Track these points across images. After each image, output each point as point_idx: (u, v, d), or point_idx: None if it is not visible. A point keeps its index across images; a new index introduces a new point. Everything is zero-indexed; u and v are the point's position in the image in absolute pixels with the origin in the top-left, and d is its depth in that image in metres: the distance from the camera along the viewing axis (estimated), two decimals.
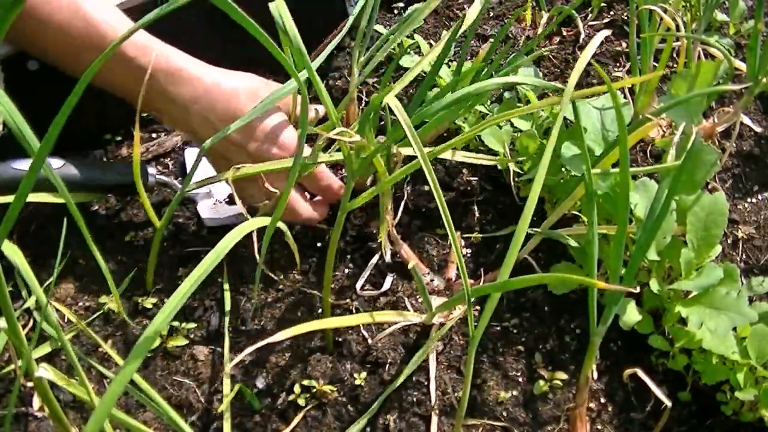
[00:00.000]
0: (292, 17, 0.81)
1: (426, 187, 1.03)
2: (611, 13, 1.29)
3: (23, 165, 0.89)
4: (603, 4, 1.29)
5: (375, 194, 0.82)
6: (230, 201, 1.02)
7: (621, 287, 0.61)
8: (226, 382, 0.84)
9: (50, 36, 0.85)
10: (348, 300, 0.93)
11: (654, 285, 0.86)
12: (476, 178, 1.04)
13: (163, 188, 1.02)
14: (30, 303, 0.90)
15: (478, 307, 0.92)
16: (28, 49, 0.92)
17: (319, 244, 0.98)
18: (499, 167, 1.02)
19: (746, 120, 1.12)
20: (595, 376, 0.86)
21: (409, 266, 0.87)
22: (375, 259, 0.96)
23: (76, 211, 0.61)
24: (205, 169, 1.05)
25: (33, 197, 0.85)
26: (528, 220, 0.67)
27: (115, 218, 1.00)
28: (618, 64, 1.20)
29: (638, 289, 0.86)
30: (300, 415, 0.83)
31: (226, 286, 0.93)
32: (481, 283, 0.92)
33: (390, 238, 0.94)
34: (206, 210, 1.00)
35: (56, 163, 0.92)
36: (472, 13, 1.02)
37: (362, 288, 0.93)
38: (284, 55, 0.70)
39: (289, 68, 0.71)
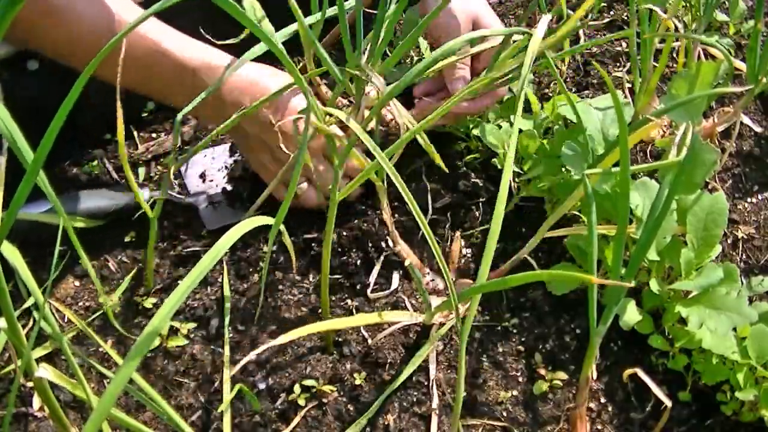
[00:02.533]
0: (286, 16, 0.81)
1: (430, 186, 1.03)
2: (611, 13, 1.29)
3: (28, 209, 0.89)
4: (603, 4, 1.29)
5: (362, 180, 0.80)
6: (228, 202, 1.02)
7: (620, 282, 0.60)
8: (226, 382, 0.84)
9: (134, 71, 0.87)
10: (348, 300, 0.93)
11: (654, 285, 0.86)
12: (479, 180, 1.04)
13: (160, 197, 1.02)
14: (30, 303, 0.90)
15: (478, 307, 0.92)
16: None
17: (318, 241, 0.98)
18: (499, 167, 1.02)
19: (746, 120, 1.12)
20: (595, 376, 0.86)
21: (406, 263, 0.87)
22: (379, 260, 0.95)
23: (74, 237, 0.61)
24: (201, 170, 1.05)
25: (34, 217, 0.85)
26: (504, 200, 0.66)
27: (115, 218, 1.00)
28: (618, 64, 1.20)
29: (634, 284, 0.86)
30: (300, 415, 0.83)
31: (226, 286, 0.93)
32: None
33: (390, 237, 0.94)
34: (207, 214, 1.00)
35: (43, 206, 0.91)
36: None
37: (372, 291, 0.93)
38: (286, 55, 0.70)
39: (292, 69, 0.71)
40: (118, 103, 0.69)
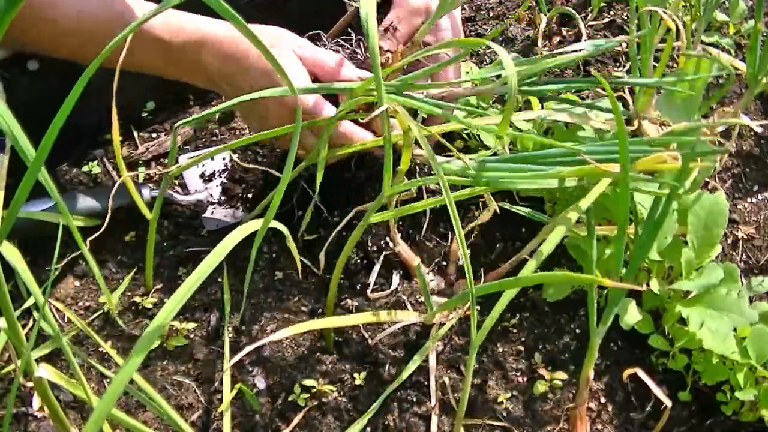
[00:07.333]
0: (292, 9, 0.80)
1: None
2: (611, 13, 1.29)
3: (28, 207, 0.89)
4: (603, 4, 1.29)
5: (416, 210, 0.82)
6: (228, 203, 1.02)
7: (623, 284, 0.61)
8: (226, 382, 0.84)
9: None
10: (348, 300, 0.93)
11: (654, 285, 0.86)
12: None
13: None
14: (30, 303, 0.90)
15: (477, 307, 0.92)
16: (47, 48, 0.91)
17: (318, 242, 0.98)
18: None
19: (746, 120, 1.12)
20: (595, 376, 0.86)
21: (415, 263, 0.87)
22: (379, 260, 0.95)
23: (78, 234, 0.61)
24: (201, 170, 1.05)
25: (35, 215, 0.85)
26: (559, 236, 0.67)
27: (115, 218, 1.00)
28: (618, 64, 1.20)
29: (644, 286, 0.86)
30: (300, 415, 0.83)
31: (226, 286, 0.93)
32: (482, 283, 0.92)
33: (390, 238, 0.94)
34: (207, 215, 1.01)
35: (41, 204, 0.91)
36: None
37: (372, 291, 0.93)
38: (272, 54, 0.68)
39: (281, 73, 0.70)
40: (114, 110, 0.69)
